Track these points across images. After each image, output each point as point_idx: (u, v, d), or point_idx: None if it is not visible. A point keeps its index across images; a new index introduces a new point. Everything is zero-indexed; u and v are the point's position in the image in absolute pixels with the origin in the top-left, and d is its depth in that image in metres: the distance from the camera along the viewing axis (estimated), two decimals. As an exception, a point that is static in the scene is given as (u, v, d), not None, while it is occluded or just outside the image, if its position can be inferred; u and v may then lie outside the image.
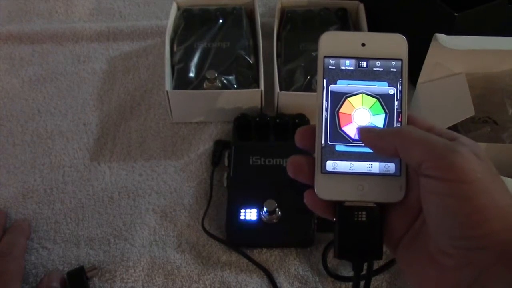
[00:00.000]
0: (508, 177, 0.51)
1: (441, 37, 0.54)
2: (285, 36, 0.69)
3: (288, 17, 0.71)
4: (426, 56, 0.55)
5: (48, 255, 0.53)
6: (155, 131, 0.64)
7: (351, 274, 0.51)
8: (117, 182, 0.59)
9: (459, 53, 0.55)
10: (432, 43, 0.54)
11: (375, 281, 0.51)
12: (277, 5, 0.72)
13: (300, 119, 0.61)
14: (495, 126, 0.58)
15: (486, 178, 0.31)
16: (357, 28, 0.71)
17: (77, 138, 0.63)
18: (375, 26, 0.69)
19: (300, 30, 0.70)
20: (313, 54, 0.66)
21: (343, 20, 0.71)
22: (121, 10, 0.80)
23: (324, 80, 0.37)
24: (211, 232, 0.54)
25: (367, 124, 0.36)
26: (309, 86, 0.63)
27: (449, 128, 0.36)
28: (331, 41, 0.37)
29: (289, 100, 0.62)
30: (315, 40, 0.69)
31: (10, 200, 0.58)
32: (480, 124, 0.59)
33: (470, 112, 0.54)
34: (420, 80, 0.58)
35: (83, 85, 0.69)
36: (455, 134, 0.34)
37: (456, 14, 0.56)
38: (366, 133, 0.35)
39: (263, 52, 0.66)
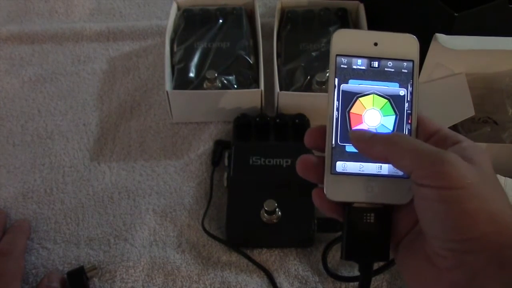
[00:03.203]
0: (508, 177, 0.51)
1: (441, 37, 0.54)
2: (285, 36, 0.69)
3: (288, 17, 0.71)
4: (426, 56, 0.55)
5: (48, 255, 0.53)
6: (155, 131, 0.64)
7: (351, 274, 0.52)
8: (117, 182, 0.59)
9: (459, 53, 0.55)
10: (432, 43, 0.54)
11: (375, 281, 0.51)
12: (277, 5, 0.71)
13: (300, 119, 0.61)
14: (495, 126, 0.58)
15: (476, 183, 0.31)
16: (357, 28, 0.71)
17: (77, 138, 0.63)
18: (375, 26, 0.69)
19: (300, 30, 0.70)
20: (313, 54, 0.66)
21: (343, 20, 0.71)
22: (121, 10, 0.80)
23: (336, 79, 0.36)
24: (211, 232, 0.54)
25: (368, 128, 0.36)
26: (309, 86, 0.63)
27: (449, 128, 0.36)
28: (343, 39, 0.37)
29: (289, 100, 0.62)
30: (315, 40, 0.70)
31: (10, 200, 0.58)
32: (480, 124, 0.59)
33: (470, 112, 0.54)
34: (420, 80, 0.58)
35: (83, 85, 0.69)
36: (460, 137, 0.34)
37: (456, 14, 0.56)
38: (356, 139, 0.35)
39: (263, 52, 0.66)
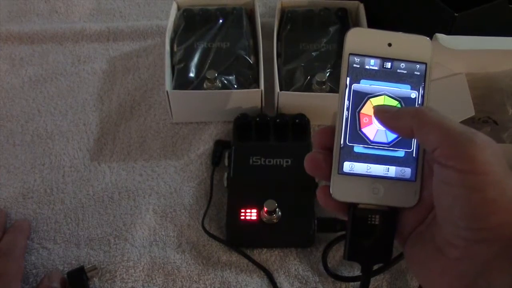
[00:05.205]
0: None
1: (441, 37, 0.54)
2: (285, 36, 0.69)
3: (288, 17, 0.71)
4: (426, 56, 0.55)
5: (48, 255, 0.53)
6: (155, 131, 0.64)
7: (351, 274, 0.52)
8: (117, 182, 0.59)
9: (459, 53, 0.55)
10: (432, 43, 0.54)
11: (375, 281, 0.51)
12: (277, 5, 0.71)
13: (300, 119, 0.61)
14: (495, 126, 0.58)
15: (499, 171, 0.30)
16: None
17: (77, 138, 0.63)
18: (375, 26, 0.68)
19: (300, 30, 0.70)
20: (313, 54, 0.66)
21: (343, 20, 0.71)
22: (121, 10, 0.80)
23: (348, 79, 0.36)
24: (211, 232, 0.54)
25: (377, 130, 0.36)
26: (309, 86, 0.63)
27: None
28: (357, 38, 0.36)
29: (289, 100, 0.62)
30: (315, 40, 0.70)
31: (10, 200, 0.58)
32: (480, 124, 0.59)
33: (470, 112, 0.54)
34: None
35: (83, 85, 0.69)
36: (471, 130, 0.34)
37: (456, 14, 0.56)
38: (382, 113, 0.35)
39: (263, 52, 0.66)
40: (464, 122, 0.56)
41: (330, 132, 0.36)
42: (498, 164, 0.31)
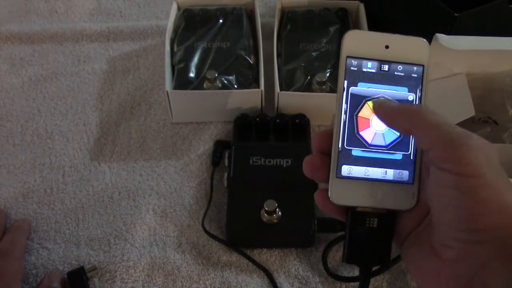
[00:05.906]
0: (508, 177, 0.51)
1: (441, 37, 0.54)
2: (285, 36, 0.69)
3: (288, 17, 0.71)
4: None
5: (48, 255, 0.53)
6: (155, 131, 0.64)
7: (351, 274, 0.52)
8: (117, 182, 0.59)
9: (459, 53, 0.55)
10: (432, 43, 0.54)
11: (375, 281, 0.51)
12: (277, 5, 0.71)
13: (300, 119, 0.61)
14: (495, 126, 0.58)
15: (492, 173, 0.31)
16: (356, 28, 0.71)
17: (77, 138, 0.63)
18: (375, 26, 0.69)
19: (300, 30, 0.70)
20: (313, 54, 0.66)
21: (343, 20, 0.71)
22: (121, 10, 0.80)
23: (345, 82, 0.36)
24: (211, 232, 0.54)
25: (375, 132, 0.36)
26: (309, 86, 0.63)
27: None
28: (355, 40, 0.36)
29: (289, 100, 0.62)
30: (315, 40, 0.70)
31: (10, 200, 0.58)
32: (480, 124, 0.59)
33: (470, 112, 0.54)
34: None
35: (83, 85, 0.69)
36: (468, 133, 0.34)
37: (456, 14, 0.56)
38: (380, 108, 0.35)
39: (263, 52, 0.66)
40: (464, 122, 0.56)
41: (328, 135, 0.36)
42: (491, 167, 0.31)
